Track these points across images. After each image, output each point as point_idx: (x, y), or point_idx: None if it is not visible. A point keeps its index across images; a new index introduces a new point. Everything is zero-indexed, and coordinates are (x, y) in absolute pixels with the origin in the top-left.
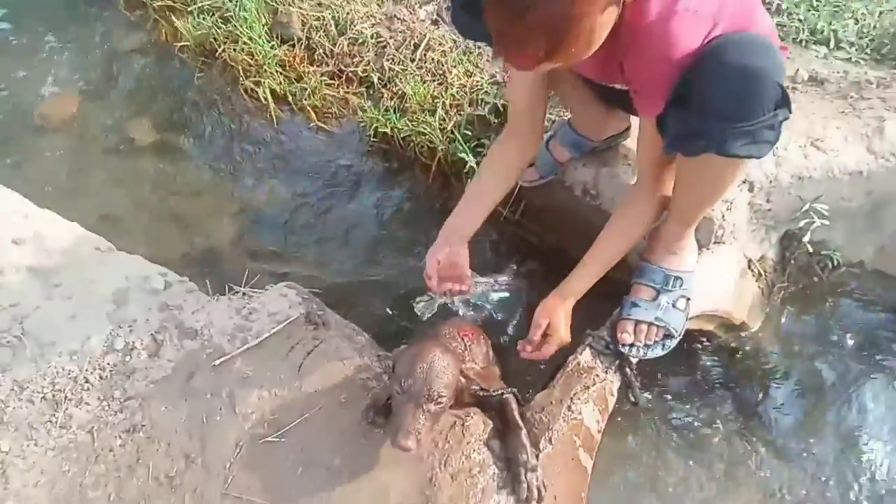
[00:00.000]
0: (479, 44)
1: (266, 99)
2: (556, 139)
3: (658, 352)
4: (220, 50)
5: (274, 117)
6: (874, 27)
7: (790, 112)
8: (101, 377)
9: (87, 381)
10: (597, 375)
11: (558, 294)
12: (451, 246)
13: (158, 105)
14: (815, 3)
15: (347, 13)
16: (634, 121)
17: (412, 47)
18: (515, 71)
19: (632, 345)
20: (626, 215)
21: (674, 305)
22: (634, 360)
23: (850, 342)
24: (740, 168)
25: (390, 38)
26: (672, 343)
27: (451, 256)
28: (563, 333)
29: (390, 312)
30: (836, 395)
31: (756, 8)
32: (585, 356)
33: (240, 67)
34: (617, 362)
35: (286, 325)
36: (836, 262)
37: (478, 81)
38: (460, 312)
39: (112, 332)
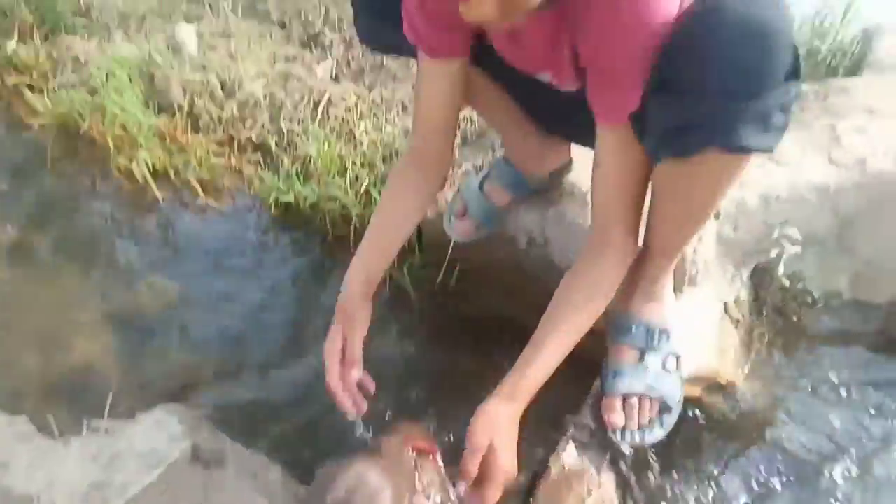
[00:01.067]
0: (390, 55)
1: (144, 176)
2: (491, 180)
3: (658, 433)
4: (85, 125)
5: (152, 197)
6: None
7: (802, 84)
8: None
9: None
10: (590, 479)
11: (501, 396)
12: (350, 326)
13: (15, 199)
14: None
15: (235, 74)
16: (577, 154)
17: (312, 105)
18: (425, 74)
19: (624, 429)
20: (585, 277)
21: (664, 367)
22: (629, 450)
23: (845, 389)
24: (740, 172)
25: (286, 97)
26: (671, 419)
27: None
28: (508, 462)
29: (310, 431)
30: (848, 454)
31: None
32: (570, 454)
33: (110, 143)
34: (608, 455)
35: (163, 472)
36: (813, 297)
37: (389, 134)
38: None
39: None
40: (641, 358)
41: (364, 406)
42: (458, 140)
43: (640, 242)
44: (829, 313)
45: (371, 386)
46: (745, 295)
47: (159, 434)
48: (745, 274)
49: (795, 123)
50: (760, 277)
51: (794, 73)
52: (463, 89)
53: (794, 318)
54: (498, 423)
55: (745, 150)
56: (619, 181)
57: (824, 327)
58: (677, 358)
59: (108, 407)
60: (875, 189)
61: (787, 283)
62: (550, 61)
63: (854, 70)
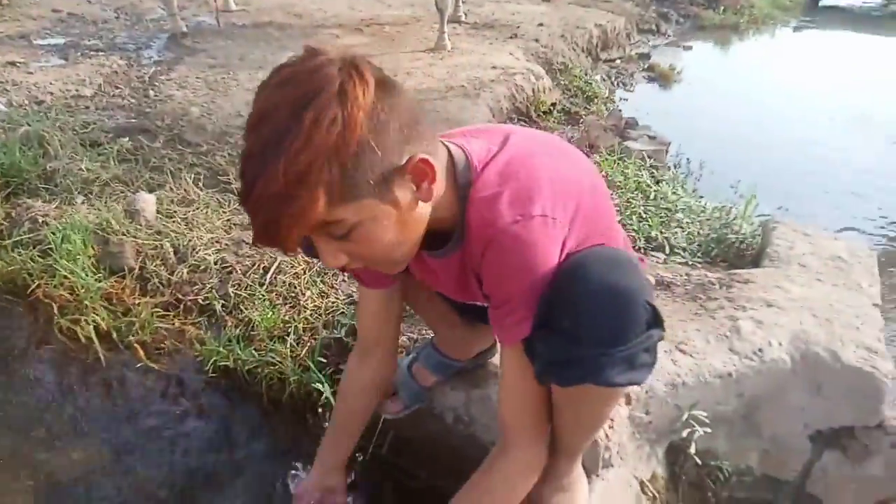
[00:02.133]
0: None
1: (89, 338)
2: (419, 362)
3: None
4: (34, 286)
5: (94, 359)
6: (698, 233)
7: (664, 331)
8: None
9: None
10: None
11: None
12: (325, 478)
13: None
14: (643, 215)
15: (189, 240)
16: None
17: (261, 271)
18: (362, 296)
19: None
20: (491, 482)
21: None
22: None
23: None
24: (619, 394)
25: (237, 262)
26: None
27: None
28: None
29: None
30: None
31: (611, 219)
32: None
33: (55, 305)
34: None
35: None
36: (725, 473)
37: (333, 302)
38: None
39: None
40: None
41: None
42: None
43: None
44: (743, 488)
45: None
46: (661, 471)
47: None
48: (661, 452)
49: (701, 313)
50: (675, 455)
51: (656, 322)
52: (399, 306)
53: (710, 494)
54: None
55: (616, 385)
56: (521, 392)
57: (739, 501)
58: None
59: None
60: (772, 376)
61: (699, 460)
62: (461, 289)
63: (758, 258)
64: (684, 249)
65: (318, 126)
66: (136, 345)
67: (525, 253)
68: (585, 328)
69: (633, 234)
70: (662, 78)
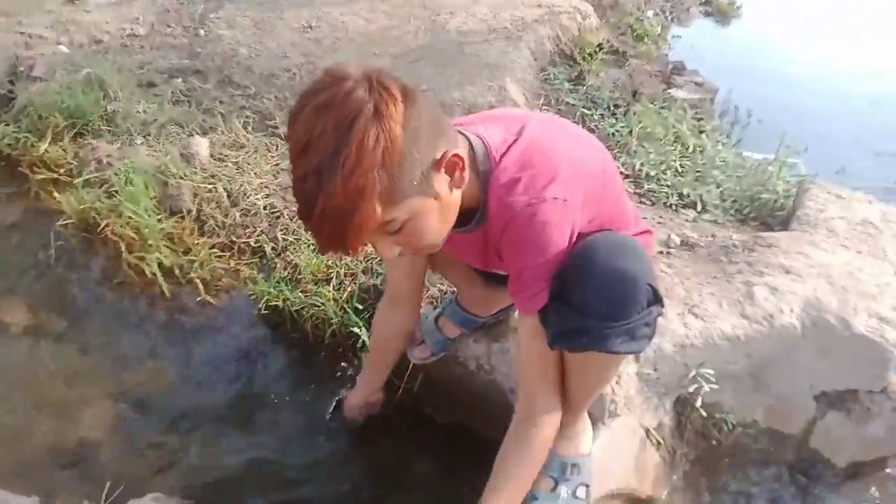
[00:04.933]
0: None
1: (154, 273)
2: (445, 316)
3: None
4: (103, 225)
5: (159, 292)
6: (734, 190)
7: (663, 307)
8: None
9: None
10: None
11: None
12: (369, 395)
13: (34, 284)
14: (679, 170)
15: (241, 185)
16: None
17: None
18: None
19: None
20: (521, 448)
21: (574, 494)
22: None
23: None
24: (620, 360)
25: (284, 207)
26: None
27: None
28: None
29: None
30: None
31: (619, 198)
32: None
33: (123, 242)
34: None
35: None
36: (730, 425)
37: (371, 249)
38: None
39: None
40: (555, 487)
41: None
42: None
43: None
44: (747, 438)
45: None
46: (668, 421)
47: None
48: (668, 403)
49: (720, 276)
50: (682, 406)
51: (656, 300)
52: (424, 264)
53: (714, 442)
54: None
55: (617, 353)
56: (539, 355)
57: (743, 450)
58: (587, 486)
59: (104, 492)
60: (781, 340)
61: (704, 413)
62: (482, 261)
63: (788, 219)
64: (716, 207)
65: (365, 146)
66: (196, 281)
67: (538, 231)
68: (593, 305)
69: (666, 189)
70: (720, 13)
